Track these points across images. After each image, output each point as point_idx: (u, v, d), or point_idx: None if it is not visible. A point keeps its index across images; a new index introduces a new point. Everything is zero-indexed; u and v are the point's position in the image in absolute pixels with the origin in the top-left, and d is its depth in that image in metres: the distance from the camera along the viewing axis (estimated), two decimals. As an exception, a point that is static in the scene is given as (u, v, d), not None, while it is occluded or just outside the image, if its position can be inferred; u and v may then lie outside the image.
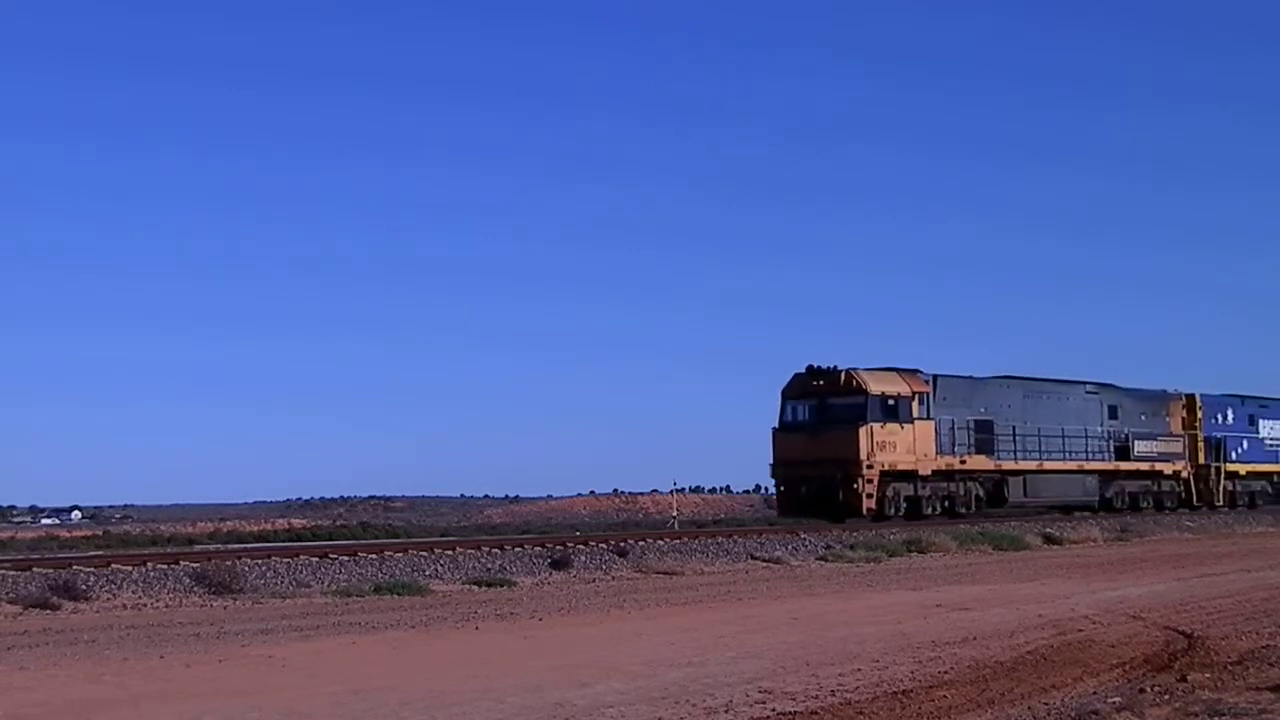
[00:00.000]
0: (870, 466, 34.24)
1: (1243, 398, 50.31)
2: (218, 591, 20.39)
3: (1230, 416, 48.70)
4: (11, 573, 20.04)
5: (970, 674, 12.76)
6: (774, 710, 10.87)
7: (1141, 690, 11.61)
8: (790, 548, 29.09)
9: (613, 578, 24.34)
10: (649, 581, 23.78)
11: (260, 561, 22.40)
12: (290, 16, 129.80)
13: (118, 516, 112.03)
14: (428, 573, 23.19)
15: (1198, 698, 11.12)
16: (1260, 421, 50.59)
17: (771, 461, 35.92)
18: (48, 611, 18.43)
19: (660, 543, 27.92)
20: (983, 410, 38.36)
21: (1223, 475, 47.51)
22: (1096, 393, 42.98)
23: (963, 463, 37.06)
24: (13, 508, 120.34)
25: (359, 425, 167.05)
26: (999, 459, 38.25)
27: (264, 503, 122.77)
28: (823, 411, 35.22)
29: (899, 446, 35.01)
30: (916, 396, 35.76)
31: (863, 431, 34.31)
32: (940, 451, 36.27)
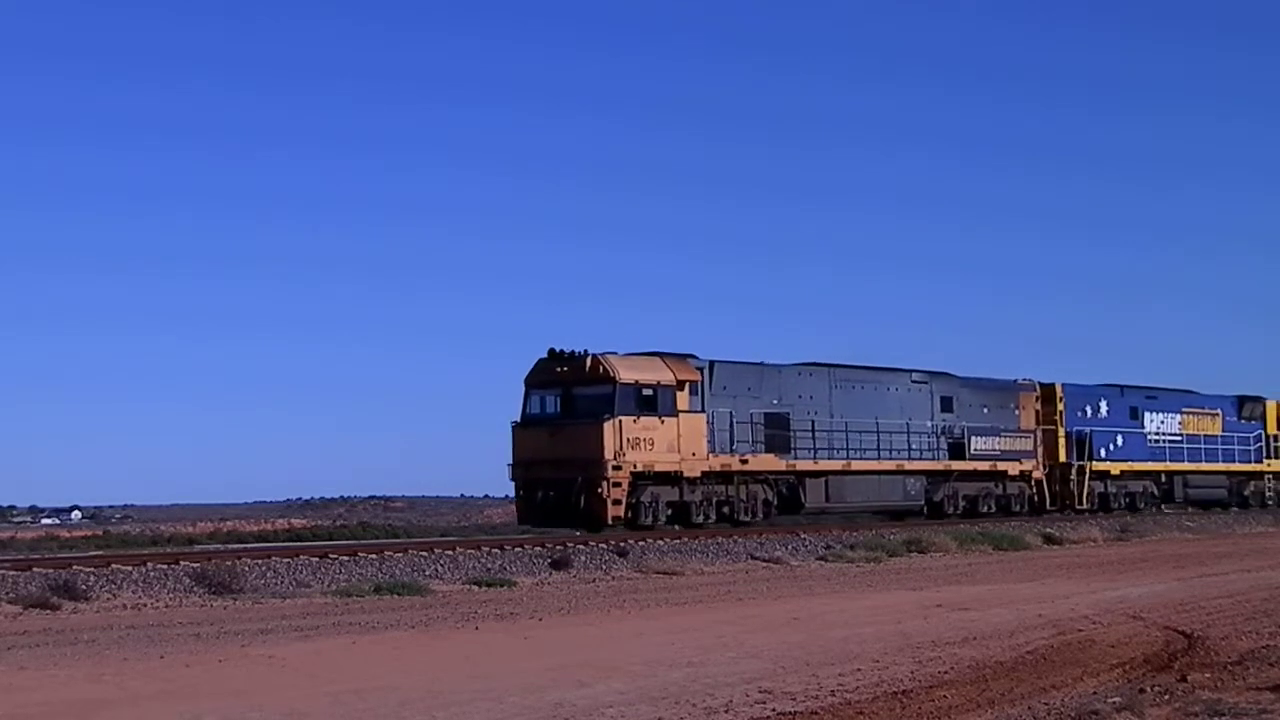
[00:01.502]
0: (618, 467, 29.05)
1: (1123, 388, 44.68)
2: (218, 591, 20.39)
3: (1104, 409, 42.98)
4: (11, 573, 20.04)
5: (970, 674, 12.76)
6: (774, 710, 10.88)
7: (1141, 690, 11.62)
8: (790, 548, 29.09)
9: (613, 578, 24.34)
10: (649, 581, 23.78)
11: (260, 561, 22.40)
12: (284, 15, 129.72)
13: (118, 516, 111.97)
14: (428, 573, 23.19)
15: (1198, 698, 11.13)
16: (1146, 415, 44.77)
17: (510, 462, 30.59)
18: (48, 611, 18.42)
19: (660, 543, 27.91)
20: (776, 402, 33.14)
21: (1087, 475, 41.48)
22: (925, 382, 37.49)
23: (744, 462, 31.67)
24: (13, 508, 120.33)
25: (359, 425, 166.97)
26: (795, 458, 33.00)
27: (264, 503, 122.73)
28: (567, 403, 30.35)
29: (658, 443, 29.91)
30: (684, 385, 30.61)
31: (609, 427, 29.12)
32: (716, 449, 31.10)
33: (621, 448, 29.19)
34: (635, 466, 29.47)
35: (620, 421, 29.28)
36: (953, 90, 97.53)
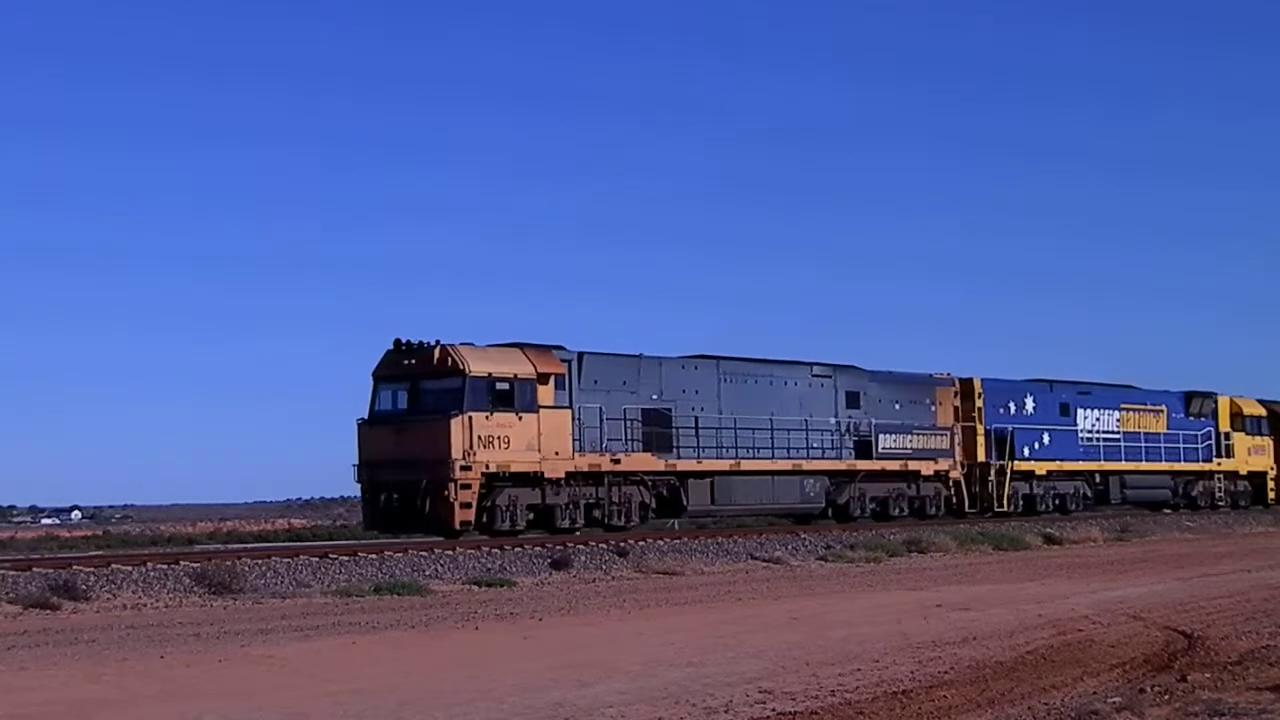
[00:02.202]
0: (467, 468, 26.56)
1: (1052, 383, 41.89)
2: (218, 591, 20.40)
3: (1029, 406, 40.10)
4: (11, 573, 20.04)
5: (970, 674, 12.77)
6: (774, 710, 10.88)
7: (1141, 690, 11.62)
8: (790, 548, 29.10)
9: (613, 578, 24.34)
10: (649, 581, 23.79)
11: (260, 561, 22.40)
12: (281, 16, 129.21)
13: (118, 516, 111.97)
14: (428, 573, 23.19)
15: (1198, 698, 11.13)
16: (1079, 412, 41.79)
17: (355, 462, 28.08)
18: (48, 611, 18.42)
19: (660, 543, 27.92)
20: (656, 397, 30.61)
21: (1008, 476, 38.54)
22: (829, 375, 34.80)
23: (616, 462, 29.13)
24: (13, 508, 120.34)
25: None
26: (678, 457, 30.53)
27: (264, 503, 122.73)
28: (414, 399, 27.91)
29: (515, 442, 27.39)
30: (547, 379, 28.18)
31: (457, 424, 26.62)
32: (584, 448, 28.66)
33: (471, 446, 26.69)
34: (488, 467, 26.98)
35: (470, 418, 26.78)
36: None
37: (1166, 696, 11.26)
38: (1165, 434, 44.46)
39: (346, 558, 23.45)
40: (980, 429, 38.44)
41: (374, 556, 23.73)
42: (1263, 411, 49.47)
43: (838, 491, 34.16)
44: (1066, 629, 16.07)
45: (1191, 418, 45.79)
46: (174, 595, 20.21)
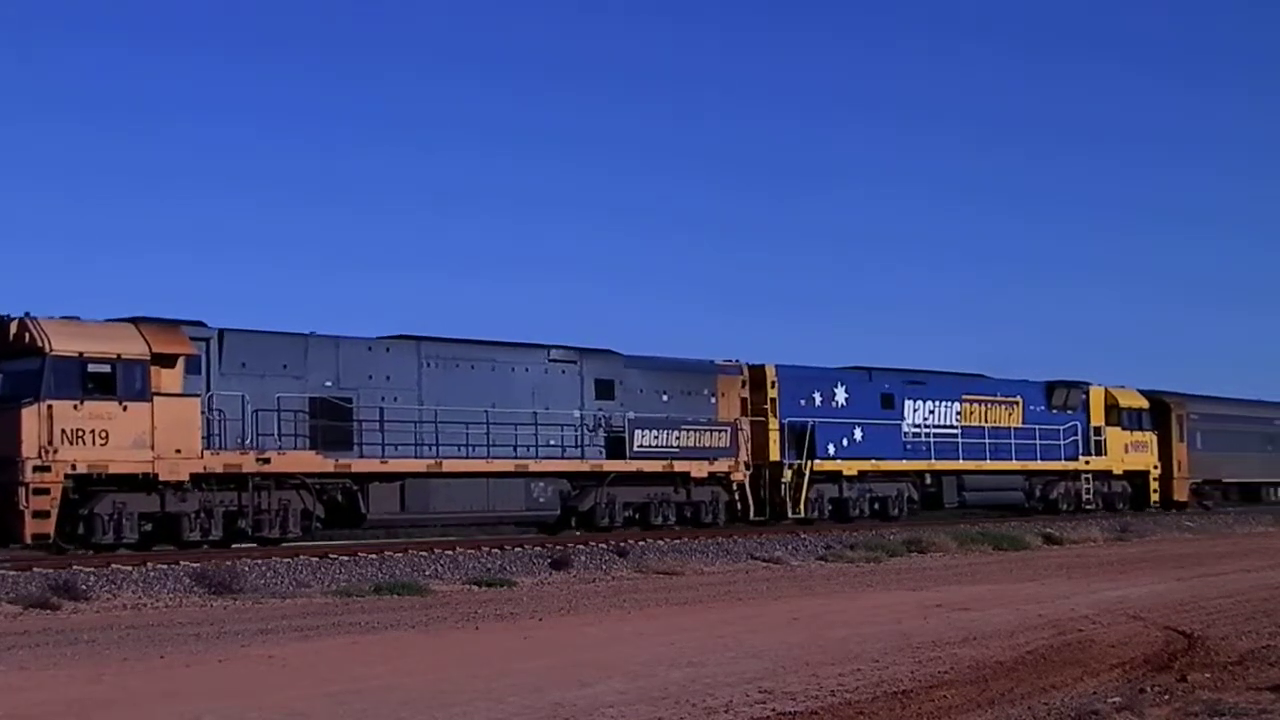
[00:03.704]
0: (44, 468, 21.90)
1: (871, 371, 36.41)
2: (218, 591, 20.40)
3: (840, 396, 34.79)
4: (11, 573, 20.04)
5: (970, 674, 12.77)
6: (774, 710, 10.88)
7: (1141, 690, 11.63)
8: (790, 548, 29.10)
9: (613, 578, 24.35)
10: (649, 581, 23.80)
11: (260, 561, 22.40)
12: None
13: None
14: (428, 573, 23.20)
15: (1198, 698, 11.14)
16: (906, 403, 36.45)
17: None
18: (48, 611, 18.42)
19: (660, 543, 27.92)
20: (330, 384, 25.77)
21: (807, 477, 33.11)
22: (573, 361, 29.81)
23: (265, 462, 24.18)
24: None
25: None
26: (360, 455, 25.76)
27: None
28: None
29: (117, 436, 22.65)
30: (170, 360, 23.35)
31: (30, 414, 21.96)
32: (221, 444, 23.91)
33: (51, 442, 22.02)
34: (75, 467, 22.24)
35: (50, 407, 22.07)
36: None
37: (1166, 696, 11.27)
38: (1019, 429, 39.25)
39: (346, 558, 23.46)
40: (774, 424, 33.23)
41: (374, 556, 23.74)
42: (1144, 403, 43.94)
43: (581, 497, 29.17)
44: (1066, 629, 16.07)
45: (1055, 410, 40.62)
46: (174, 595, 20.22)
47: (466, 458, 27.09)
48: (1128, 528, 37.95)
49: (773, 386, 33.53)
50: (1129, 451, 43.01)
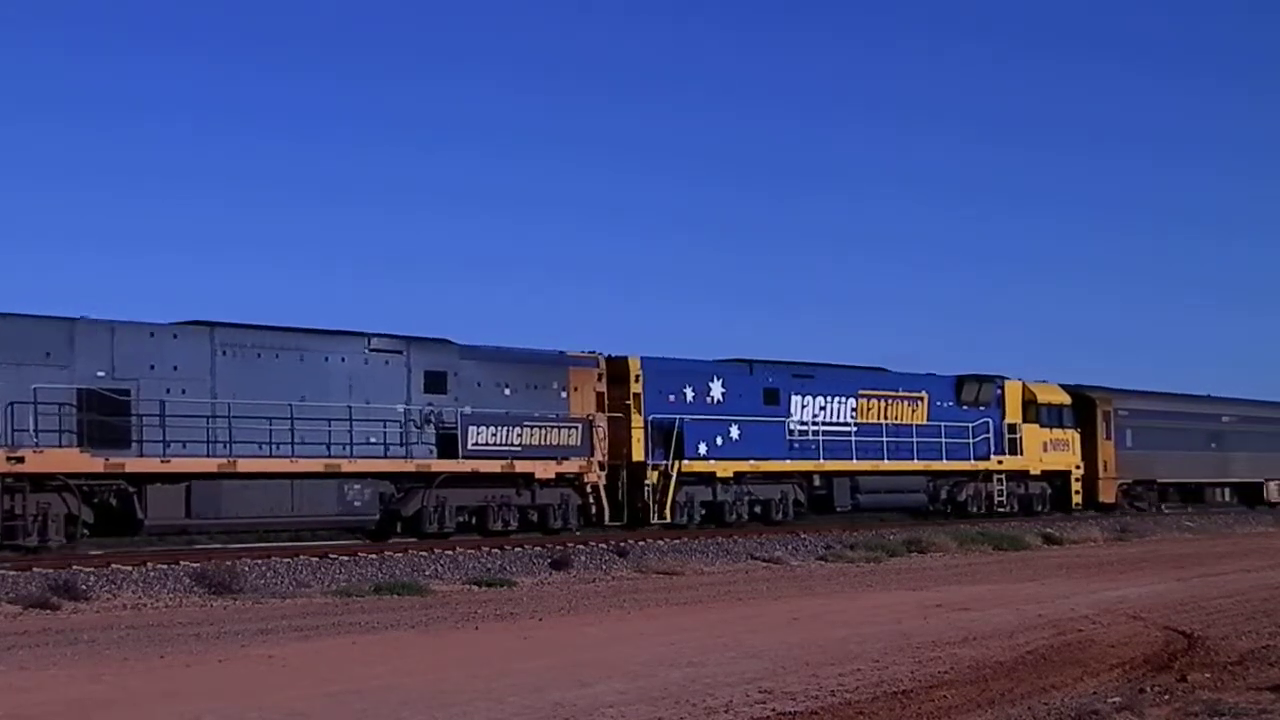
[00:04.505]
0: None
1: (753, 363, 33.45)
2: (218, 591, 20.40)
3: (716, 391, 31.94)
4: (11, 573, 20.04)
5: (970, 674, 12.78)
6: (774, 710, 10.88)
7: (1141, 690, 11.64)
8: (790, 548, 29.10)
9: (613, 578, 24.36)
10: (649, 581, 23.80)
11: (260, 561, 22.41)
12: None
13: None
14: (428, 573, 23.21)
15: (1198, 698, 11.14)
16: (793, 399, 33.48)
17: None
18: (48, 611, 18.42)
19: (660, 543, 27.92)
20: (104, 374, 23.19)
21: (673, 479, 30.30)
22: (399, 351, 26.95)
23: (18, 461, 21.80)
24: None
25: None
26: (140, 454, 23.15)
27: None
28: None
29: None
30: None
31: None
32: None
33: None
34: None
35: None
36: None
37: (1166, 696, 11.28)
38: (922, 426, 36.25)
39: (346, 558, 23.46)
40: (638, 421, 30.42)
41: (374, 556, 23.74)
42: (1065, 399, 41.03)
43: (406, 500, 26.43)
44: (1066, 629, 16.08)
45: (965, 406, 37.60)
46: (174, 595, 20.22)
47: (270, 456, 24.33)
48: (1127, 528, 37.96)
49: (636, 380, 30.68)
50: (1048, 450, 40.11)
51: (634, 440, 30.29)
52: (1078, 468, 40.89)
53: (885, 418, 35.56)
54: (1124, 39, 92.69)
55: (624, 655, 13.95)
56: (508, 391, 28.46)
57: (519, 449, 27.58)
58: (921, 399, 36.67)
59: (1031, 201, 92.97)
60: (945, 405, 37.19)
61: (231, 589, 20.50)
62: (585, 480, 29.05)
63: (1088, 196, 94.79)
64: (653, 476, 30.19)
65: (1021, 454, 38.98)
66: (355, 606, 19.39)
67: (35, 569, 20.48)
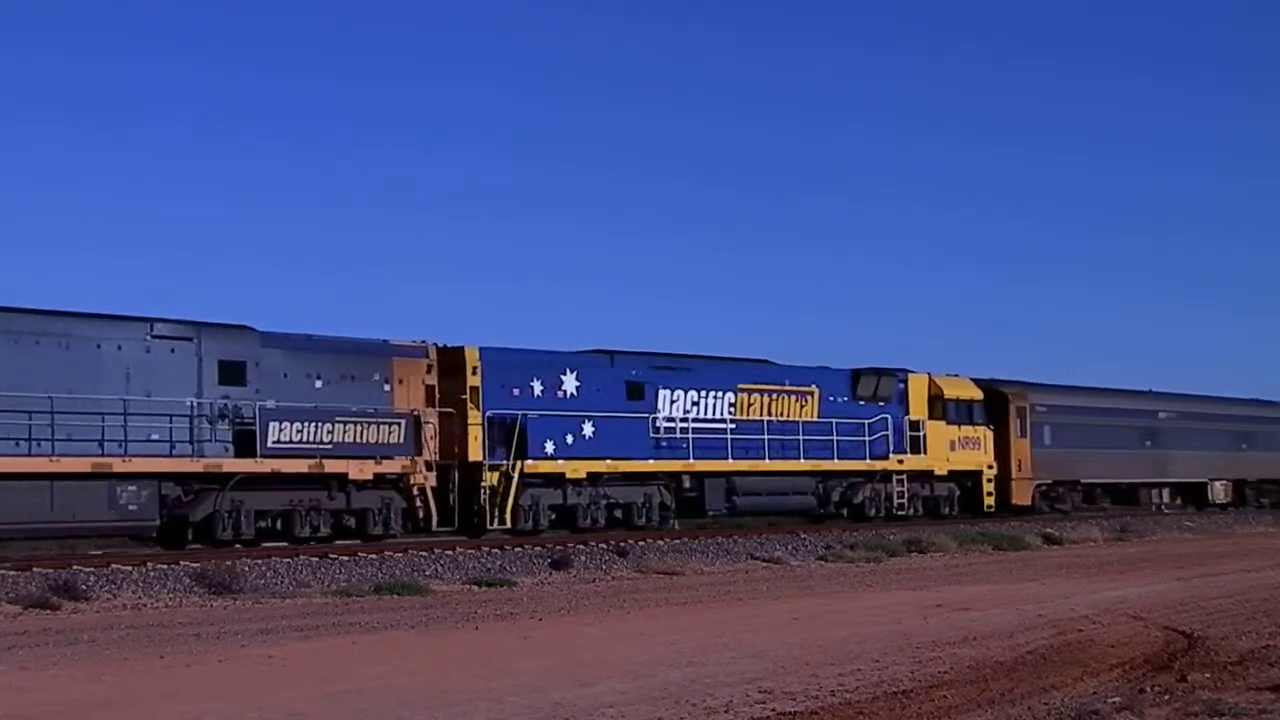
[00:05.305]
0: None
1: (613, 354, 30.67)
2: (218, 591, 20.41)
3: (568, 385, 29.09)
4: (11, 573, 20.05)
5: (970, 674, 12.78)
6: (774, 710, 10.88)
7: (1141, 690, 11.64)
8: (790, 548, 29.11)
9: (613, 578, 24.37)
10: (649, 581, 23.81)
11: (260, 561, 22.42)
12: None
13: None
14: (428, 573, 23.22)
15: (1198, 698, 11.14)
16: (660, 393, 30.67)
17: None
18: (48, 611, 18.43)
19: (660, 543, 27.92)
20: None
21: (515, 481, 27.46)
22: (188, 338, 24.13)
23: None
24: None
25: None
26: None
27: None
28: None
29: None
30: None
31: None
32: None
33: None
34: None
35: None
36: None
37: (1166, 696, 11.28)
38: (811, 423, 33.43)
39: (346, 558, 23.47)
40: (476, 416, 27.51)
41: (374, 556, 23.75)
42: (977, 394, 38.23)
43: (195, 504, 23.85)
44: (1066, 629, 16.08)
45: (861, 402, 34.90)
46: (174, 595, 20.23)
47: (29, 455, 21.82)
48: (1128, 528, 37.95)
49: (474, 373, 27.77)
50: (956, 449, 37.18)
51: (470, 438, 27.42)
52: (990, 467, 38.27)
53: (769, 414, 32.79)
54: (1124, 39, 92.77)
55: (624, 655, 13.95)
56: (319, 383, 25.64)
57: (330, 447, 24.94)
58: (812, 394, 33.94)
59: (1031, 202, 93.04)
60: (839, 401, 34.57)
61: (231, 589, 20.51)
62: (411, 481, 26.38)
63: (1088, 197, 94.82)
64: (491, 478, 27.36)
65: (925, 453, 36.20)
66: (355, 606, 19.39)
67: (35, 569, 20.50)
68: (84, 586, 19.77)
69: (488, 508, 27.23)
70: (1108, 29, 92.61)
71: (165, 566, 21.52)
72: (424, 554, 24.43)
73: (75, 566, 20.98)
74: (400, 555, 24.12)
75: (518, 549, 25.76)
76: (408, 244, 79.55)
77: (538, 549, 25.84)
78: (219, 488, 23.93)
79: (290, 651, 14.41)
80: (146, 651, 14.37)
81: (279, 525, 25.04)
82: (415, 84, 79.05)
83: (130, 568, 21.27)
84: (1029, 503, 39.36)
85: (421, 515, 26.48)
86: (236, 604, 19.68)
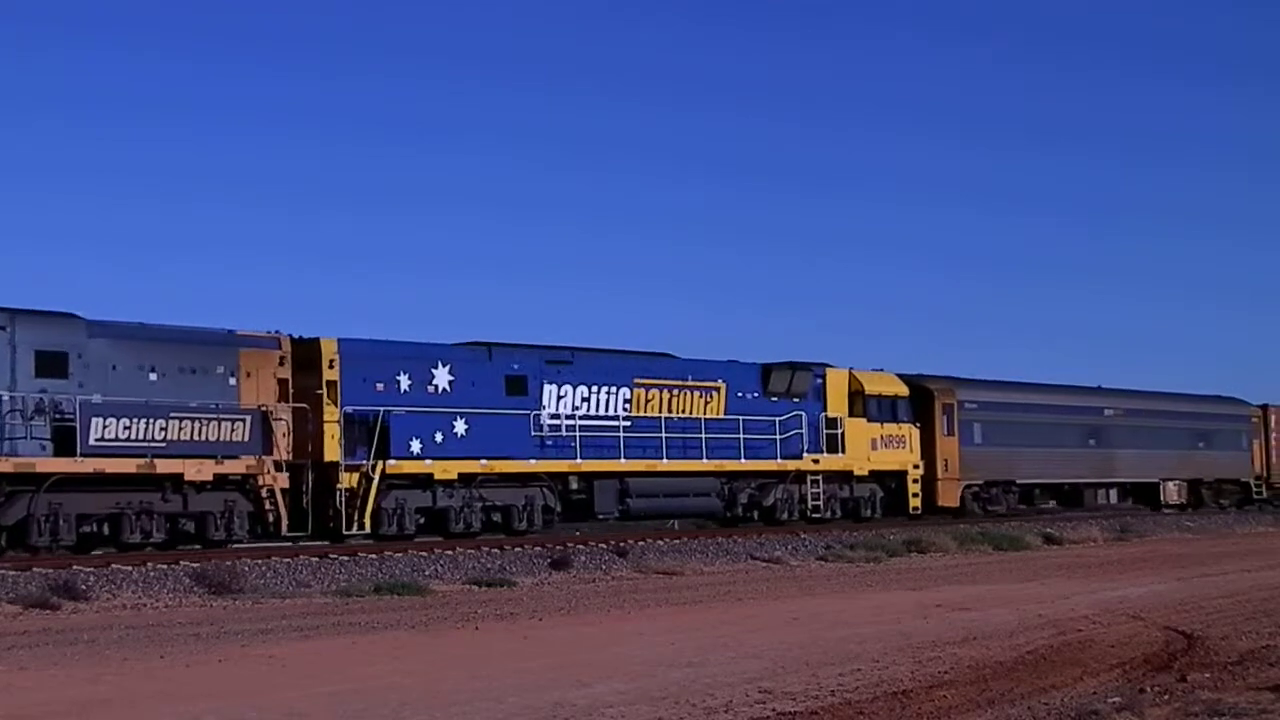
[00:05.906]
0: None
1: (491, 347, 28.48)
2: (218, 591, 20.40)
3: (440, 380, 27.12)
4: (11, 573, 20.04)
5: (970, 674, 12.78)
6: (774, 710, 10.89)
7: (1141, 690, 11.64)
8: (790, 548, 29.09)
9: (613, 578, 24.36)
10: (649, 581, 23.81)
11: (260, 561, 22.41)
12: None
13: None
14: (428, 573, 23.21)
15: (1198, 698, 11.15)
16: (545, 388, 28.72)
17: None
18: (48, 611, 18.42)
19: (660, 543, 27.92)
20: None
21: (376, 482, 25.50)
22: (2, 327, 22.11)
23: None
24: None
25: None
26: None
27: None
28: None
29: None
30: None
31: None
32: None
33: None
34: None
35: None
36: None
37: (1166, 696, 11.28)
38: (715, 420, 31.47)
39: (346, 558, 23.47)
40: (333, 413, 25.55)
41: (374, 557, 23.75)
42: (901, 390, 36.07)
43: (6, 507, 21.94)
44: (1066, 629, 16.08)
45: (773, 398, 32.74)
46: (174, 595, 20.22)
47: None
48: (1128, 528, 37.94)
49: (331, 366, 25.75)
50: (879, 448, 35.09)
51: (327, 436, 25.39)
52: (916, 467, 36.01)
53: (668, 410, 30.77)
54: (1124, 39, 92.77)
55: (624, 655, 13.96)
56: (154, 376, 23.57)
57: (163, 445, 22.87)
58: (718, 389, 31.87)
59: (1031, 202, 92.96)
60: (749, 397, 32.42)
61: (231, 589, 20.50)
62: (259, 483, 24.26)
63: (1088, 197, 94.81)
64: (349, 479, 25.37)
65: (844, 452, 33.89)
66: (355, 606, 19.39)
67: (35, 569, 20.50)
68: (84, 586, 19.76)
69: (344, 511, 25.35)
70: (1107, 29, 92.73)
71: (165, 566, 21.51)
72: (424, 554, 24.42)
73: (75, 566, 20.97)
74: (400, 555, 24.11)
75: (518, 549, 25.77)
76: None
77: (537, 549, 25.85)
78: (34, 489, 21.97)
79: (290, 651, 14.41)
80: (146, 651, 14.37)
81: (107, 529, 23.23)
82: (404, 82, 79.02)
83: (130, 568, 21.26)
84: (956, 504, 37.29)
85: (271, 519, 24.46)
86: (236, 604, 19.67)
